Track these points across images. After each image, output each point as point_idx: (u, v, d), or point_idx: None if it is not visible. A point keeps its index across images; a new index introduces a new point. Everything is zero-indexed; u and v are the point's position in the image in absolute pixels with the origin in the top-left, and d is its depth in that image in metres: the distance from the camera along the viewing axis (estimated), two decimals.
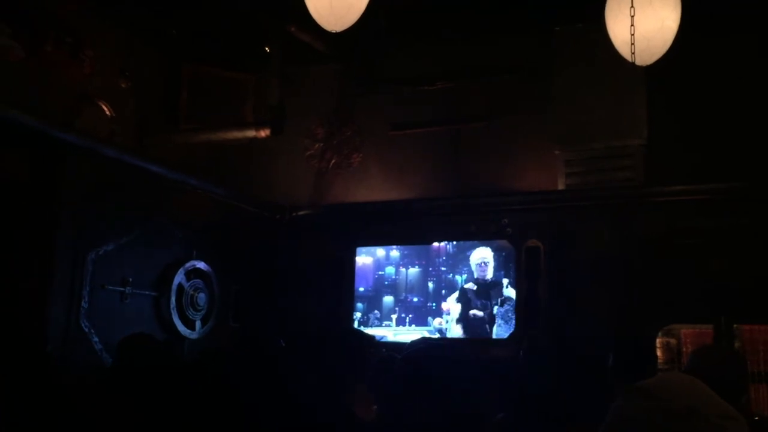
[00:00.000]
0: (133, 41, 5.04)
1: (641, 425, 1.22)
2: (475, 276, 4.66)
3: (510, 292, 4.53)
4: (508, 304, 4.52)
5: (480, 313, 4.59)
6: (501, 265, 4.60)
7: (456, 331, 4.62)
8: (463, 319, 4.63)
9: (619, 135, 4.44)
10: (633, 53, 3.03)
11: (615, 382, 2.70)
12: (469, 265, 4.69)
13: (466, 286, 4.66)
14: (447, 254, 4.76)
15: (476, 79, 5.02)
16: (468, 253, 4.72)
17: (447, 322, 4.69)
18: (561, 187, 4.57)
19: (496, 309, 4.55)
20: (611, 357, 3.59)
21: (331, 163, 5.38)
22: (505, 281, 4.57)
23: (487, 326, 4.56)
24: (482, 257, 4.65)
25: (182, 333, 4.20)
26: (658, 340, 3.92)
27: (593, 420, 2.17)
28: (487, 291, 4.61)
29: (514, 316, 4.46)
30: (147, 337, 3.27)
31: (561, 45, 4.65)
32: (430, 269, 4.79)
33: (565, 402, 2.58)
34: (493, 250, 4.63)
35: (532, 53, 4.84)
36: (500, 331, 4.50)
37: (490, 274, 4.62)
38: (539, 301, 4.34)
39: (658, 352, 3.87)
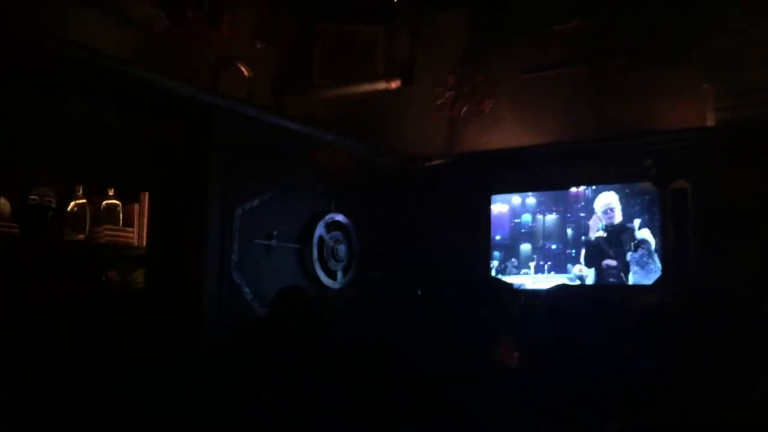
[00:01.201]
0: (266, 2, 5.17)
1: None
2: (604, 223, 4.50)
3: (643, 234, 4.34)
4: (643, 248, 4.34)
5: (613, 263, 4.44)
6: (632, 210, 4.41)
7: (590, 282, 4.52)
8: (597, 269, 4.50)
9: None
10: None
11: None
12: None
13: (596, 235, 4.52)
14: (586, 199, 4.61)
15: (614, 13, 4.74)
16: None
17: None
18: (710, 123, 4.27)
19: (629, 255, 4.37)
20: None
21: (463, 111, 5.31)
22: (636, 222, 4.37)
23: (622, 274, 4.41)
24: (607, 203, 4.47)
25: (325, 283, 4.37)
26: None
27: (748, 368, 2.06)
28: (618, 237, 4.44)
29: (650, 260, 4.28)
30: (302, 292, 3.45)
31: None
32: (569, 215, 4.67)
33: (718, 350, 2.45)
34: (627, 196, 4.44)
35: None
36: (637, 278, 4.34)
37: (618, 219, 4.45)
38: (688, 245, 4.13)
39: None
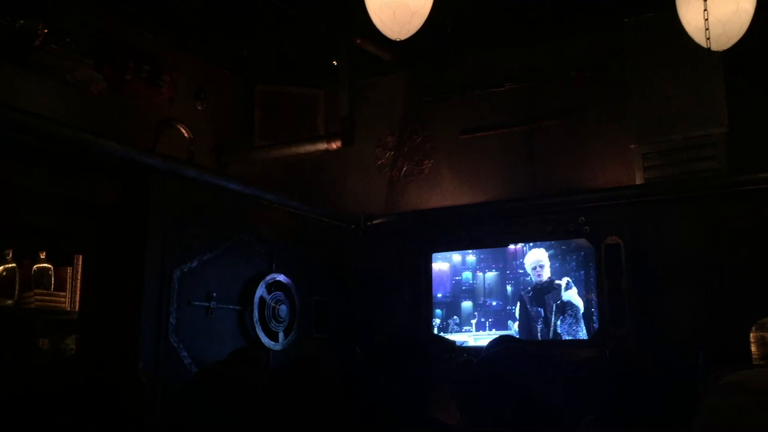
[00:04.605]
0: (207, 65, 5.23)
1: (746, 422, 1.17)
2: (533, 281, 4.57)
3: (569, 296, 4.38)
4: (569, 314, 4.37)
5: (537, 325, 4.49)
6: (568, 266, 4.49)
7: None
8: (525, 329, 4.54)
9: (699, 124, 4.28)
10: (708, 39, 2.94)
11: (706, 379, 2.60)
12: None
13: (523, 293, 4.59)
14: (524, 256, 4.70)
15: (546, 78, 4.95)
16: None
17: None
18: (639, 181, 4.44)
19: (559, 325, 4.40)
20: (701, 354, 3.45)
21: (403, 171, 5.41)
22: (564, 281, 4.42)
23: (541, 335, 4.44)
24: (537, 260, 4.53)
25: (266, 345, 4.29)
26: (752, 335, 3.75)
27: (684, 420, 2.10)
28: (541, 296, 4.50)
29: (578, 328, 4.31)
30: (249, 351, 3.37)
31: (631, 37, 4.53)
32: (508, 272, 4.74)
33: (655, 401, 2.50)
34: (563, 252, 4.52)
35: (602, 48, 4.75)
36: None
37: (545, 277, 4.52)
38: (623, 299, 4.22)
39: (753, 348, 3.71)
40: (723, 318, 3.91)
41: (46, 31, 3.87)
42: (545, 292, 4.48)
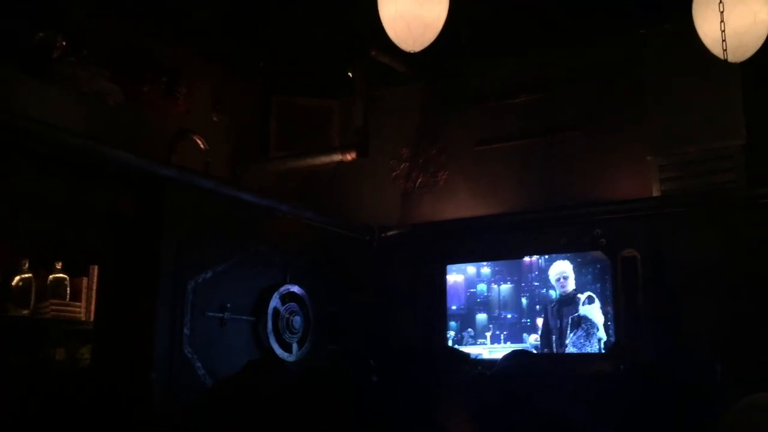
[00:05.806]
0: (223, 76, 5.26)
1: None
2: (557, 292, 4.53)
3: (586, 311, 4.34)
4: (583, 328, 4.33)
5: (554, 337, 4.45)
6: (584, 279, 4.44)
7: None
8: (545, 340, 4.50)
9: (717, 136, 4.25)
10: (725, 50, 2.92)
11: (724, 393, 2.56)
12: None
13: (547, 304, 4.55)
14: (539, 269, 4.67)
15: (563, 88, 4.93)
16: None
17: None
18: (656, 193, 4.41)
19: (569, 337, 4.37)
20: (720, 367, 3.41)
21: (418, 183, 5.40)
22: (583, 296, 4.37)
23: (556, 347, 4.41)
24: (561, 271, 4.49)
25: (280, 356, 4.29)
26: None
27: None
28: (561, 308, 4.46)
29: (587, 342, 4.28)
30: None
31: (649, 48, 4.51)
32: (523, 285, 4.71)
33: (670, 417, 2.46)
34: (580, 265, 4.48)
35: (619, 59, 4.72)
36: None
37: (570, 288, 4.47)
38: (639, 312, 4.18)
39: None
40: (741, 331, 3.86)
41: (64, 43, 3.91)
42: (566, 304, 4.45)
